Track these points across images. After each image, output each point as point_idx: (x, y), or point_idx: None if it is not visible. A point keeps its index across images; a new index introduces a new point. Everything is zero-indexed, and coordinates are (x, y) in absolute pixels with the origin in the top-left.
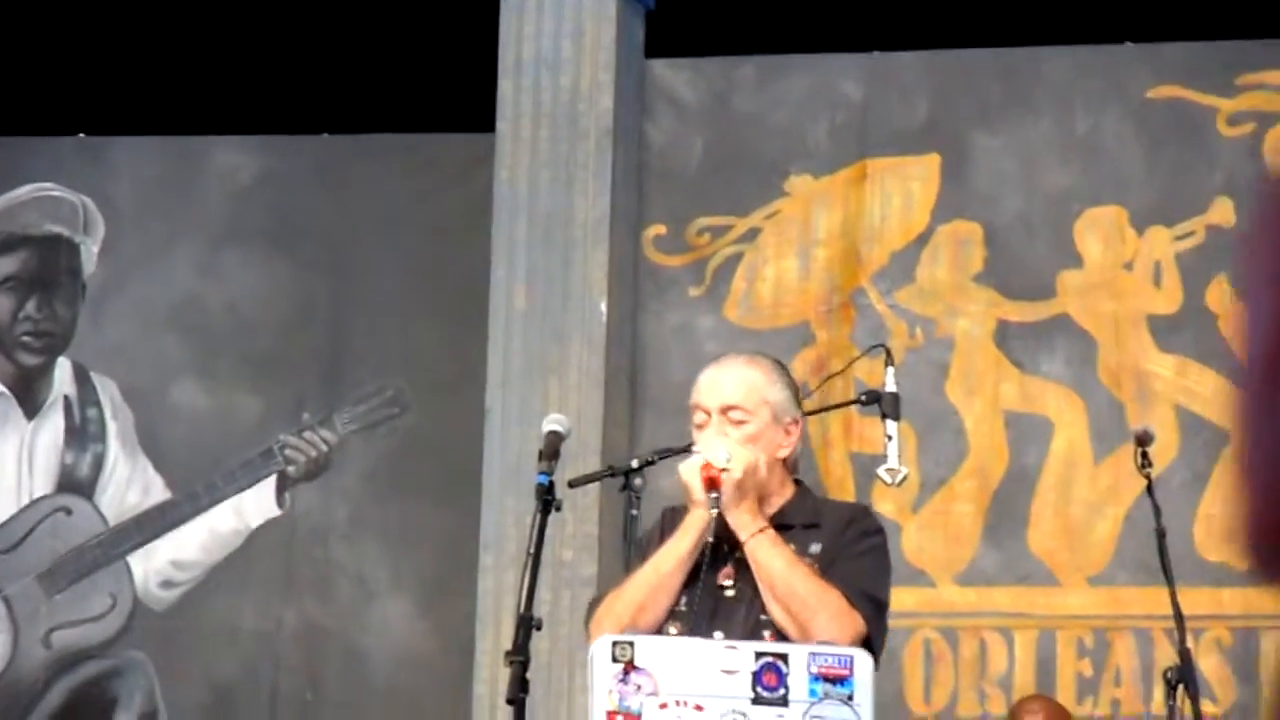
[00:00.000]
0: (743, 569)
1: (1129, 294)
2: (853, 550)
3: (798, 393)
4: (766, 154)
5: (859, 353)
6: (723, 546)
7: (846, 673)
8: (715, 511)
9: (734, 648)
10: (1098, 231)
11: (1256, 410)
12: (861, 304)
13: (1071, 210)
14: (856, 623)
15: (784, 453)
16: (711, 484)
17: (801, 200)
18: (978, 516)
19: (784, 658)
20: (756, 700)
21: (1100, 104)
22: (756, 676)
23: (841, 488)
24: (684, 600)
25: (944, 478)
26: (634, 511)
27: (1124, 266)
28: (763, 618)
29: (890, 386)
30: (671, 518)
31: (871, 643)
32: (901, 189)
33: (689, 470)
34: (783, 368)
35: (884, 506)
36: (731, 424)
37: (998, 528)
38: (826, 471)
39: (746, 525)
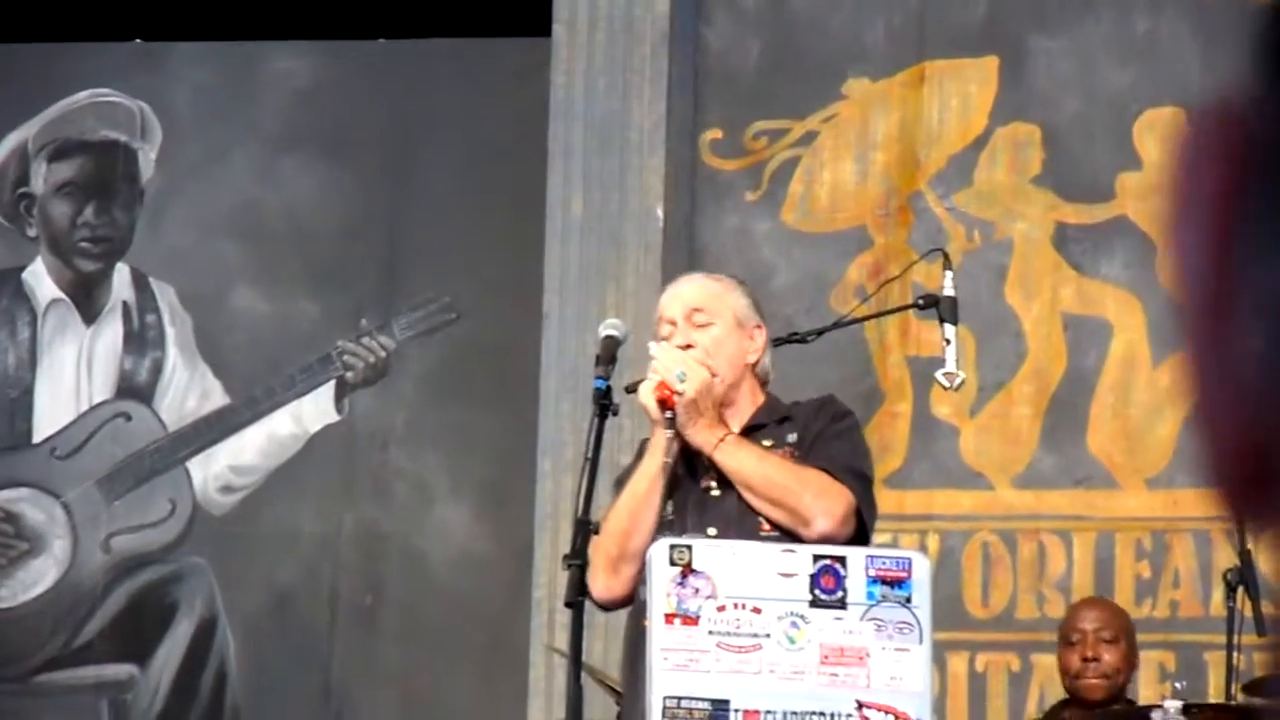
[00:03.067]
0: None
1: None
2: (829, 432)
3: (759, 306)
4: (824, 57)
5: (916, 257)
6: (700, 457)
7: (905, 575)
8: (672, 431)
9: (792, 550)
10: (1157, 133)
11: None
12: (919, 207)
13: (1130, 111)
14: (844, 494)
15: (752, 357)
16: (664, 404)
17: (859, 103)
18: (1036, 419)
19: (842, 560)
20: (814, 603)
21: (1159, 4)
22: (814, 579)
23: (899, 391)
24: (669, 510)
25: (1002, 381)
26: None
27: None
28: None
29: (948, 290)
30: (644, 447)
31: (863, 517)
32: (959, 91)
33: (644, 392)
34: (742, 281)
35: (941, 410)
36: (696, 327)
37: (1056, 430)
38: (884, 375)
39: (708, 440)
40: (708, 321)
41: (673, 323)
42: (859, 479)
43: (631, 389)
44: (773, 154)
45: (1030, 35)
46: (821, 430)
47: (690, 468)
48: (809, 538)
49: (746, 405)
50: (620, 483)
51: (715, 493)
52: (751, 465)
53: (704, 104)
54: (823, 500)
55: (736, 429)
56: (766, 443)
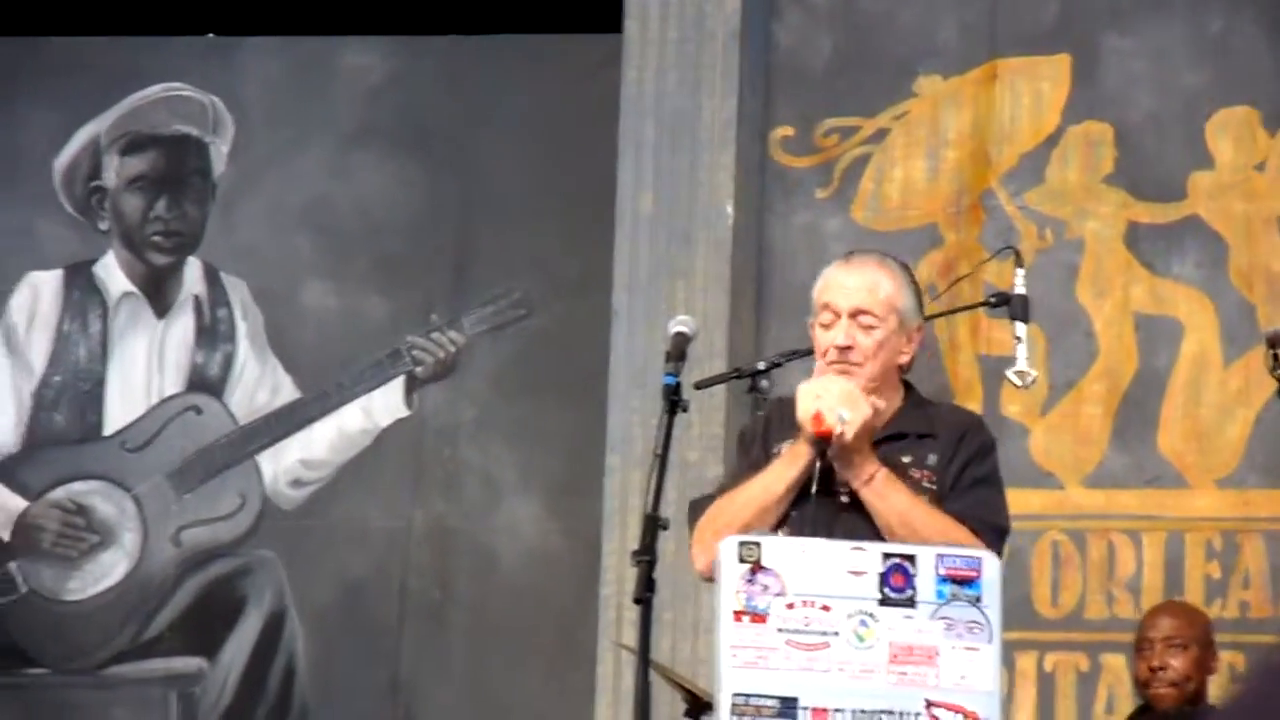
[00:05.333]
0: None
1: (1260, 195)
2: (972, 472)
3: (922, 298)
4: (895, 54)
5: (988, 255)
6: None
7: (975, 574)
8: (819, 461)
9: (861, 549)
10: (1229, 132)
11: None
12: (990, 205)
13: (1203, 111)
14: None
15: (904, 359)
16: (819, 434)
17: (930, 101)
18: (1106, 419)
19: (911, 559)
20: (884, 601)
21: (1233, 4)
22: (884, 577)
23: (969, 390)
24: (794, 513)
25: (1073, 380)
26: (760, 413)
27: (1255, 167)
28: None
29: (1019, 288)
30: (779, 411)
31: None
32: (1031, 89)
33: (805, 396)
34: (910, 272)
35: (1012, 409)
36: (860, 329)
37: (1126, 430)
38: (954, 374)
39: (859, 475)
40: (873, 325)
41: (837, 314)
42: (998, 536)
43: (701, 385)
44: (843, 151)
45: (1103, 34)
46: (967, 464)
47: (825, 473)
48: None
49: (891, 405)
50: (743, 441)
51: (845, 499)
52: (897, 513)
53: (775, 101)
54: None
55: (880, 433)
56: (906, 458)
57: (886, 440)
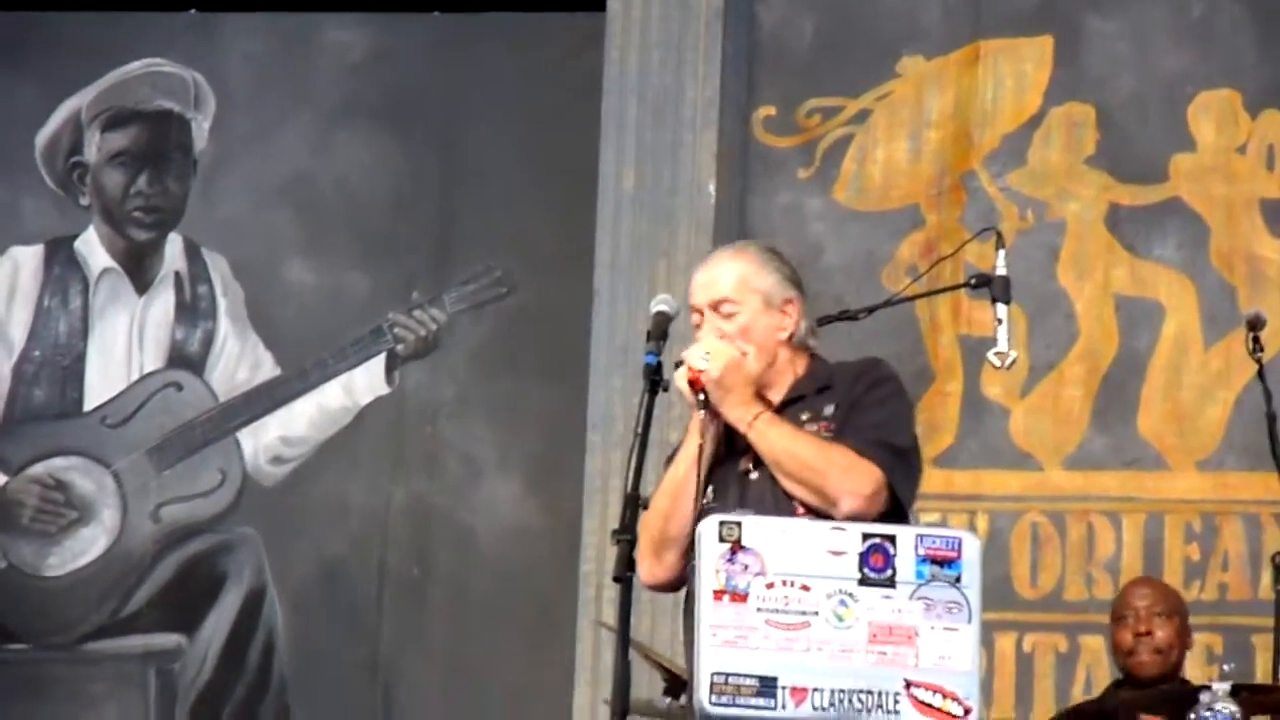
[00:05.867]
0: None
1: (1242, 178)
2: (865, 401)
3: (795, 272)
4: (878, 35)
5: (969, 236)
6: (740, 437)
7: (954, 555)
8: (704, 411)
9: (841, 529)
10: (1211, 115)
11: None
12: (972, 186)
13: (1185, 93)
14: (871, 471)
15: (784, 334)
16: (694, 385)
17: (913, 82)
18: (1087, 400)
19: (891, 539)
20: (863, 581)
21: None
22: (863, 557)
23: (950, 371)
24: (710, 495)
25: (1053, 361)
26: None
27: (1237, 150)
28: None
29: (1000, 269)
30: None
31: (896, 490)
32: (1014, 71)
33: (678, 377)
34: (774, 252)
35: (992, 390)
36: (723, 318)
37: (1107, 412)
38: (935, 354)
39: (741, 417)
40: (734, 311)
41: (700, 311)
42: (890, 452)
43: (681, 364)
44: (826, 131)
45: (1086, 15)
46: (856, 400)
47: (730, 450)
48: (839, 518)
49: (787, 378)
50: (669, 462)
51: (753, 475)
52: (782, 444)
53: (757, 81)
54: (848, 479)
55: (778, 402)
56: (804, 415)
57: (785, 405)
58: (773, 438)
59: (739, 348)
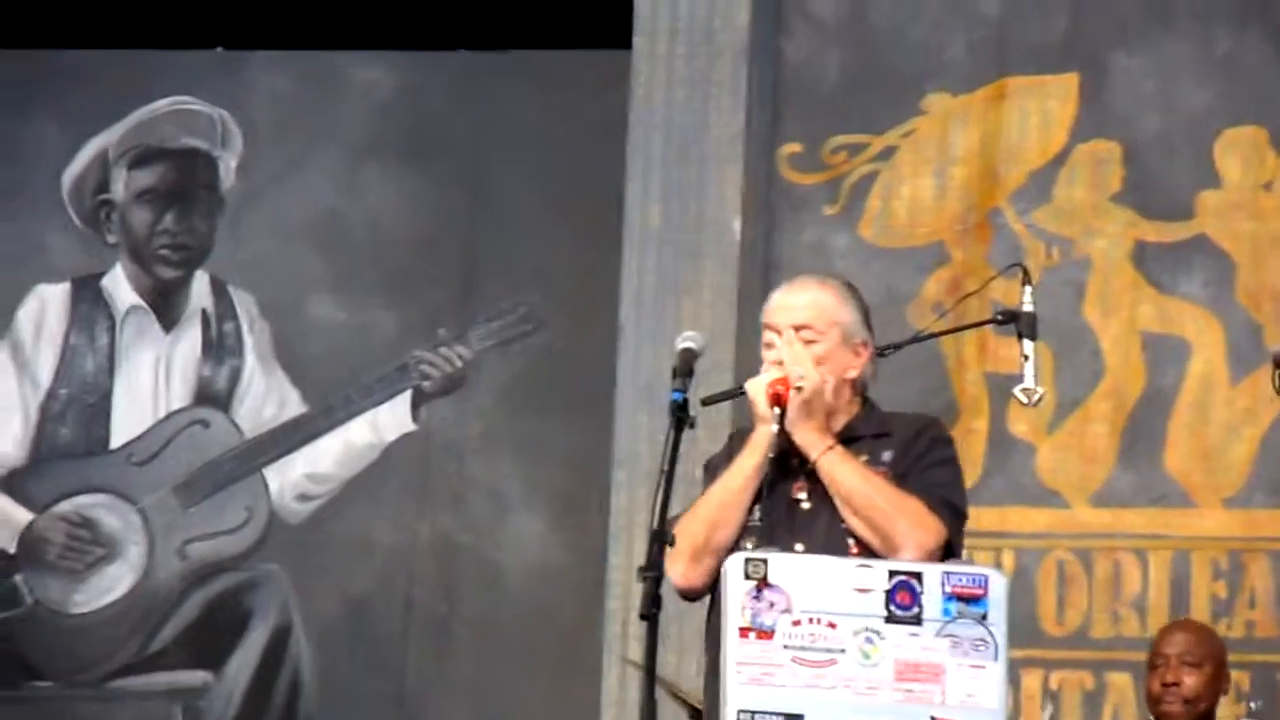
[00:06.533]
0: (816, 481)
1: (1268, 214)
2: (927, 459)
3: (868, 315)
4: (904, 71)
5: (995, 272)
6: (792, 460)
7: (981, 592)
8: (778, 428)
9: (868, 565)
10: (1237, 151)
11: None
12: (998, 223)
13: (1210, 130)
14: (938, 528)
15: (853, 373)
16: (776, 400)
17: (938, 118)
18: (1113, 437)
19: (918, 576)
20: (890, 619)
21: (1240, 23)
22: (890, 595)
23: (976, 408)
24: (757, 515)
25: (1079, 398)
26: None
27: (1263, 187)
28: (843, 527)
29: (1027, 306)
30: (740, 439)
31: (953, 549)
32: (1040, 108)
33: (754, 386)
34: (854, 289)
35: (1019, 427)
36: (802, 343)
37: (1133, 449)
38: (961, 391)
39: (814, 444)
40: (813, 339)
41: (778, 331)
42: (954, 512)
43: (708, 401)
44: (851, 168)
45: (1111, 53)
46: (922, 455)
47: (782, 474)
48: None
49: (842, 418)
50: (709, 469)
51: (806, 505)
52: (854, 481)
53: (783, 117)
54: (917, 531)
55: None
56: (862, 457)
57: (842, 443)
58: (845, 472)
59: (822, 375)
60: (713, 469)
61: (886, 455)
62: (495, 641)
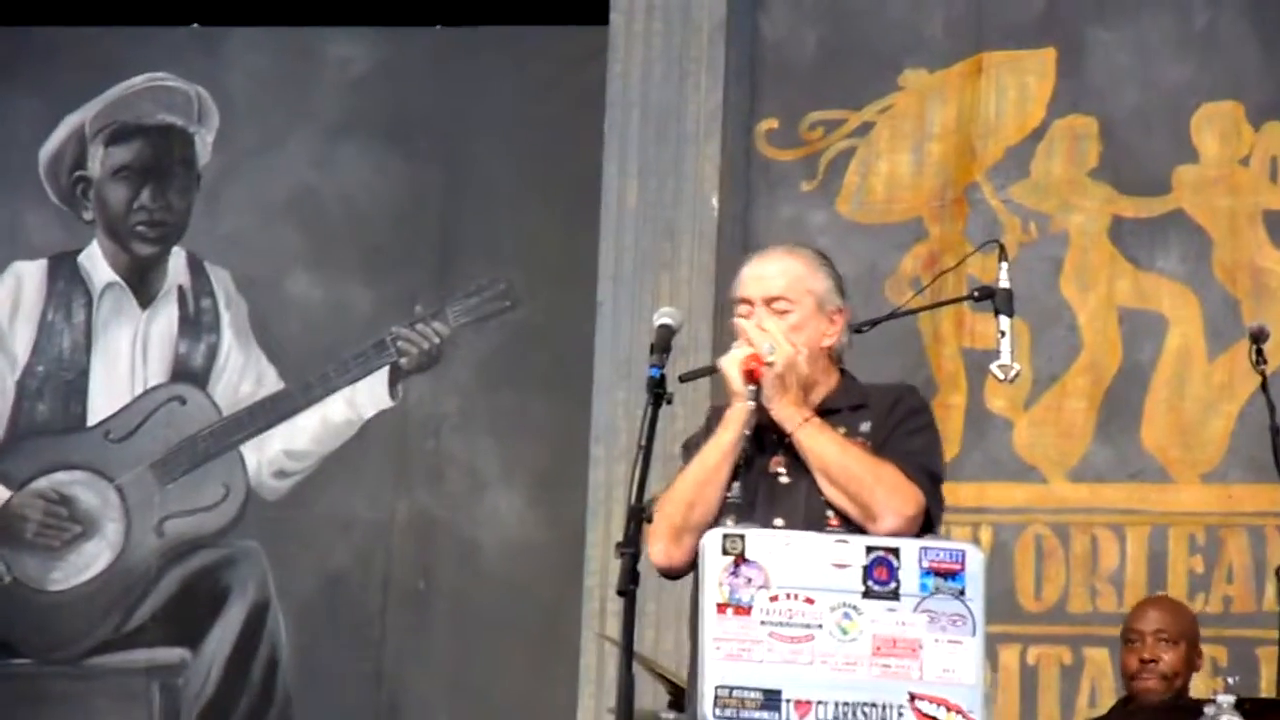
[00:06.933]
0: (794, 456)
1: (1245, 190)
2: (904, 428)
3: (841, 283)
4: (881, 47)
5: (972, 248)
6: (770, 435)
7: (958, 567)
8: (754, 404)
9: (845, 541)
10: (1214, 127)
11: None
12: (975, 199)
13: (1188, 105)
14: (915, 494)
15: (828, 341)
16: (750, 376)
17: (916, 94)
18: (1090, 413)
19: (895, 552)
20: (867, 594)
21: None
22: (868, 570)
23: (953, 383)
24: (736, 490)
25: (1057, 374)
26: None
27: (1240, 162)
28: (822, 499)
29: (1003, 282)
30: (718, 416)
31: (931, 516)
32: (1017, 83)
33: (729, 362)
34: (825, 258)
35: (996, 403)
36: (775, 314)
37: (1110, 424)
38: (938, 367)
39: (791, 417)
40: (787, 309)
41: (750, 303)
42: (931, 479)
43: (686, 378)
44: (828, 144)
45: (1088, 27)
46: (899, 424)
47: (759, 448)
48: (875, 533)
49: (820, 388)
50: (688, 448)
51: (784, 480)
52: (831, 452)
53: (760, 94)
54: (894, 498)
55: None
56: (840, 429)
57: (820, 415)
58: (823, 444)
59: (796, 347)
60: (692, 447)
61: (864, 426)
62: (473, 617)
